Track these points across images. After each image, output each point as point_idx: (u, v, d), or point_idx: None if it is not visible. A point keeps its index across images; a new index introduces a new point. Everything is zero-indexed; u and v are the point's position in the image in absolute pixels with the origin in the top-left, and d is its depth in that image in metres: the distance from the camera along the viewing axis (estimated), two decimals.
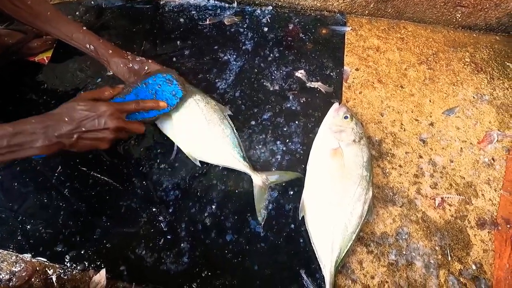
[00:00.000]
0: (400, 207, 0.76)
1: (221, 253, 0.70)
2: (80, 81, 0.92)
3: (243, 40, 0.97)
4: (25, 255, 0.72)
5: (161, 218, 0.74)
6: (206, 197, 0.76)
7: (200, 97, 0.78)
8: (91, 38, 0.75)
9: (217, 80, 0.90)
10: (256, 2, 1.04)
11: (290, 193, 0.76)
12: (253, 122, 0.84)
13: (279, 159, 0.79)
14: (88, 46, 0.75)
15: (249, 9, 1.03)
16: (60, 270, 0.70)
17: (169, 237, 0.72)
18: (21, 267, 0.71)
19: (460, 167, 0.80)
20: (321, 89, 0.89)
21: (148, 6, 1.05)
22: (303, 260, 0.70)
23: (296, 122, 0.84)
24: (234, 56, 0.94)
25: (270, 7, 1.03)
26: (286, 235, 0.72)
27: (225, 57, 0.94)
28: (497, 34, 1.00)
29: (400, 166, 0.80)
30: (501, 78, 0.92)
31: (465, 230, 0.73)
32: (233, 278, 0.68)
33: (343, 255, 0.66)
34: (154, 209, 0.75)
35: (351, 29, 0.99)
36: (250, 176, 0.75)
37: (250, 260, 0.70)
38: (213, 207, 0.75)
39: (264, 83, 0.90)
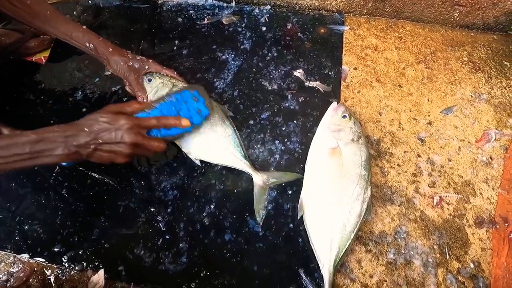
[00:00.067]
0: (399, 206, 0.76)
1: (219, 252, 0.70)
2: (78, 81, 0.92)
3: (241, 40, 0.97)
4: (23, 255, 0.71)
5: (159, 218, 0.74)
6: (205, 197, 0.76)
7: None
8: (90, 37, 0.75)
9: (215, 80, 0.90)
10: (254, 2, 1.04)
11: (288, 192, 0.76)
12: (251, 122, 0.84)
13: (277, 159, 0.79)
14: (87, 44, 0.75)
15: (247, 9, 1.03)
16: (58, 271, 0.70)
17: (167, 237, 0.72)
18: (19, 267, 0.71)
19: (458, 166, 0.80)
20: (320, 88, 0.89)
21: (146, 5, 1.04)
22: (302, 259, 0.70)
23: (295, 121, 0.84)
24: (233, 55, 0.94)
25: (268, 7, 1.03)
26: (284, 234, 0.72)
27: (224, 57, 0.94)
28: (494, 33, 1.00)
29: (398, 165, 0.80)
30: (498, 77, 0.92)
31: (463, 229, 0.74)
32: (232, 277, 0.68)
33: (342, 254, 0.66)
34: (152, 209, 0.74)
35: (349, 28, 1.00)
36: (248, 176, 0.75)
37: (249, 260, 0.70)
38: (212, 206, 0.75)
39: (263, 83, 0.90)
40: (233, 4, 1.03)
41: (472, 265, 0.70)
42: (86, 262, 0.70)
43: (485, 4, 0.92)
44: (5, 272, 0.71)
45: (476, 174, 0.79)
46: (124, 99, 0.87)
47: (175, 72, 0.82)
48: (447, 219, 0.74)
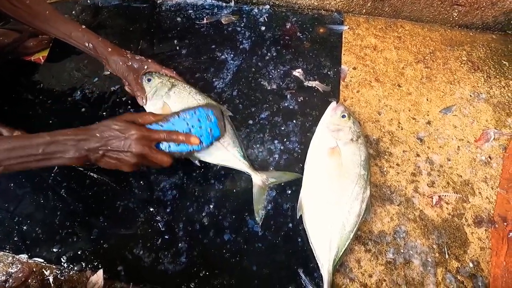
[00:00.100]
0: (398, 205, 0.76)
1: (219, 252, 0.70)
2: (76, 81, 0.91)
3: (240, 39, 0.97)
4: (22, 256, 0.71)
5: (158, 218, 0.73)
6: (204, 197, 0.75)
7: (201, 98, 0.78)
8: (90, 37, 0.75)
9: (214, 80, 0.90)
10: (254, 1, 1.04)
11: (288, 192, 0.76)
12: (250, 121, 0.84)
13: (277, 158, 0.79)
14: (86, 44, 0.75)
15: (247, 8, 1.03)
16: (57, 271, 0.70)
17: (166, 237, 0.72)
18: (18, 268, 0.71)
19: (457, 166, 0.80)
20: (319, 88, 0.89)
21: (145, 5, 1.04)
22: (301, 259, 0.70)
23: (294, 121, 0.84)
24: (232, 55, 0.94)
25: (268, 6, 1.03)
26: (284, 234, 0.72)
27: (223, 56, 0.94)
28: (493, 33, 1.00)
29: (397, 164, 0.80)
30: (497, 76, 0.93)
31: (462, 228, 0.74)
32: (231, 277, 0.68)
33: (341, 254, 0.66)
34: (151, 209, 0.74)
35: (348, 28, 1.00)
36: (248, 176, 0.75)
37: (248, 260, 0.70)
38: (211, 206, 0.75)
39: (262, 82, 0.90)
40: (232, 3, 1.03)
41: (471, 265, 0.70)
42: (85, 262, 0.70)
43: (484, 4, 0.92)
44: (4, 273, 0.71)
45: (475, 173, 0.79)
46: (123, 99, 0.87)
47: (174, 72, 0.82)
48: (446, 219, 0.74)
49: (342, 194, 0.68)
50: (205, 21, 1.00)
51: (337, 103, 0.80)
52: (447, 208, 0.76)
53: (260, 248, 0.71)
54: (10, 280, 0.70)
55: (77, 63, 0.94)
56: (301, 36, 0.98)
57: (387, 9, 0.99)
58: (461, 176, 0.79)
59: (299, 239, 0.71)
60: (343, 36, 0.98)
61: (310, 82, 0.90)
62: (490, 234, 0.73)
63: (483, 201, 0.76)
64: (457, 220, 0.74)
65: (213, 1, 1.04)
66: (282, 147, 0.81)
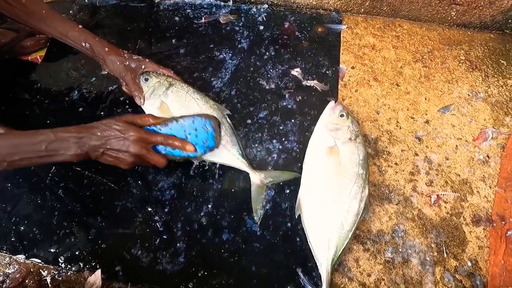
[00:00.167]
0: (396, 204, 0.76)
1: (217, 252, 0.70)
2: (74, 80, 0.91)
3: (238, 39, 0.97)
4: (19, 256, 0.71)
5: (156, 217, 0.73)
6: (202, 197, 0.75)
7: (199, 96, 0.78)
8: (86, 36, 0.74)
9: (212, 79, 0.90)
10: (252, 0, 1.04)
11: (286, 191, 0.76)
12: (249, 121, 0.84)
13: (275, 158, 0.79)
14: (83, 44, 0.74)
15: (245, 8, 1.03)
16: (55, 271, 0.70)
17: (165, 237, 0.71)
18: (15, 268, 0.70)
19: (456, 165, 0.80)
20: (317, 87, 0.89)
21: (142, 4, 1.04)
22: (300, 258, 0.69)
23: (292, 120, 0.84)
24: (230, 54, 0.94)
25: (266, 5, 1.03)
26: (282, 233, 0.72)
27: (221, 56, 0.94)
28: (491, 32, 1.01)
29: (396, 164, 0.80)
30: (495, 75, 0.93)
31: (460, 227, 0.74)
32: (229, 277, 0.68)
33: (340, 253, 0.66)
34: (149, 209, 0.74)
35: (346, 27, 0.99)
36: (246, 175, 0.75)
37: (247, 259, 0.70)
38: (209, 206, 0.74)
39: (260, 82, 0.90)
40: (230, 3, 1.03)
41: (469, 263, 0.70)
42: (83, 262, 0.69)
43: (482, 3, 0.92)
44: (1, 273, 0.70)
45: (473, 172, 0.80)
46: (121, 99, 0.87)
47: (172, 71, 0.82)
48: (445, 218, 0.75)
49: (341, 193, 0.68)
50: (203, 21, 1.00)
51: (335, 102, 0.79)
52: (445, 207, 0.76)
53: (259, 247, 0.71)
54: (7, 281, 0.69)
55: (75, 62, 0.94)
56: (300, 36, 0.98)
57: (385, 8, 0.99)
58: (459, 175, 0.79)
59: (298, 239, 0.71)
60: (342, 35, 0.98)
61: (308, 81, 0.90)
62: (488, 233, 0.73)
63: (481, 200, 0.77)
64: (455, 219, 0.74)
65: (211, 1, 1.04)
66: (280, 147, 0.81)
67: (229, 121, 0.79)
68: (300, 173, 0.74)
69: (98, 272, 0.68)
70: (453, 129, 0.85)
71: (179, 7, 1.03)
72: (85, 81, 0.91)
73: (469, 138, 0.84)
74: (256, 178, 0.74)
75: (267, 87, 0.89)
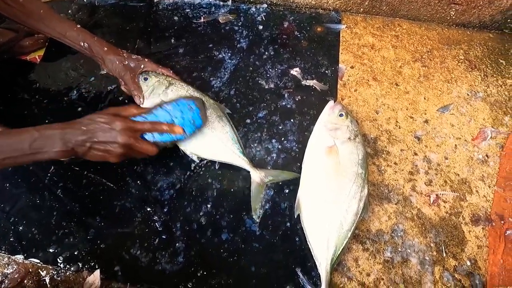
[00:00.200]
0: (395, 204, 0.76)
1: (216, 252, 0.70)
2: (73, 80, 0.91)
3: (238, 38, 0.97)
4: (18, 256, 0.71)
5: (156, 217, 0.73)
6: (201, 196, 0.75)
7: (198, 96, 0.78)
8: (85, 36, 0.74)
9: (212, 79, 0.90)
10: (251, 0, 1.04)
11: (285, 191, 0.76)
12: (248, 121, 0.84)
13: (274, 157, 0.79)
14: (82, 44, 0.74)
15: (244, 7, 1.03)
16: (54, 272, 0.69)
17: (164, 236, 0.71)
18: (14, 269, 0.70)
19: (455, 164, 0.81)
20: (316, 87, 0.89)
21: (141, 4, 1.04)
22: (299, 258, 0.69)
23: (292, 120, 0.84)
24: (229, 54, 0.94)
25: (265, 5, 1.03)
26: (281, 233, 0.72)
27: (220, 55, 0.94)
28: (490, 32, 1.01)
29: (395, 163, 0.80)
30: (494, 75, 0.93)
31: (459, 227, 0.74)
32: (228, 277, 0.68)
33: (339, 252, 0.66)
34: (148, 209, 0.74)
35: (346, 27, 0.99)
36: (245, 175, 0.75)
37: (246, 259, 0.69)
38: (209, 206, 0.74)
39: (259, 81, 0.90)
40: (229, 2, 1.03)
41: (468, 263, 0.70)
42: (82, 262, 0.69)
43: (481, 3, 0.92)
44: (0, 274, 0.70)
45: (472, 172, 0.80)
46: (120, 98, 0.87)
47: (171, 71, 0.82)
48: (444, 217, 0.75)
49: (340, 193, 0.68)
50: (202, 20, 1.00)
51: (334, 102, 0.79)
52: (444, 206, 0.76)
53: (258, 247, 0.70)
54: (6, 281, 0.69)
55: (74, 62, 0.93)
56: (299, 35, 0.98)
57: (384, 8, 0.99)
58: (458, 174, 0.79)
59: (297, 238, 0.71)
60: (341, 35, 0.98)
61: (307, 81, 0.90)
62: (487, 232, 0.73)
63: (480, 199, 0.77)
64: (454, 219, 0.75)
65: (210, 0, 1.04)
66: (279, 146, 0.81)
67: (228, 118, 0.79)
68: (299, 172, 0.74)
69: (97, 272, 0.68)
70: (452, 129, 0.85)
71: (178, 7, 1.03)
72: (84, 80, 0.90)
73: (468, 138, 0.84)
74: (257, 176, 0.74)
75: (266, 87, 0.89)
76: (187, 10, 1.02)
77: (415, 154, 0.82)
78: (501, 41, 0.98)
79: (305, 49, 0.95)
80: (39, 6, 0.72)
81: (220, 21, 1.00)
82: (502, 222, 0.74)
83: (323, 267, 0.65)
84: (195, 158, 0.76)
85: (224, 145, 0.74)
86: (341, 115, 0.76)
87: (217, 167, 0.78)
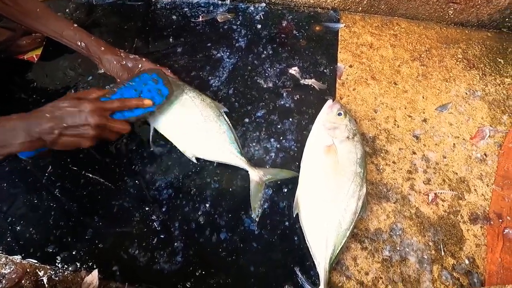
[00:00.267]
0: (394, 203, 0.76)
1: (215, 251, 0.70)
2: (70, 79, 0.90)
3: (236, 37, 0.97)
4: (15, 256, 0.70)
5: (154, 217, 0.73)
6: (200, 196, 0.75)
7: (195, 94, 0.78)
8: (82, 35, 0.74)
9: (210, 78, 0.90)
10: None
11: (284, 190, 0.75)
12: (246, 120, 0.84)
13: (273, 157, 0.79)
14: (79, 43, 0.74)
15: (242, 6, 1.03)
16: (51, 272, 0.69)
17: (162, 236, 0.71)
18: (11, 269, 0.70)
19: (453, 163, 0.81)
20: (315, 86, 0.89)
21: (139, 3, 1.03)
22: (298, 257, 0.69)
23: (290, 119, 0.84)
24: (228, 53, 0.94)
25: (264, 4, 1.03)
26: (280, 232, 0.72)
27: (218, 55, 0.94)
28: (488, 31, 1.01)
29: (393, 162, 0.80)
30: (493, 74, 0.93)
31: (458, 225, 0.74)
32: (227, 276, 0.68)
33: (338, 252, 0.66)
34: (147, 208, 0.74)
35: (344, 26, 0.99)
36: (244, 174, 0.75)
37: (245, 258, 0.69)
38: (207, 205, 0.74)
39: (258, 81, 0.90)
40: (228, 1, 1.03)
41: (467, 261, 0.70)
42: (80, 262, 0.69)
43: (479, 2, 0.92)
44: None
45: (470, 170, 0.80)
46: None
47: (169, 70, 0.82)
48: (442, 216, 0.75)
49: (338, 192, 0.68)
50: (200, 19, 1.00)
51: (333, 101, 0.80)
52: (443, 205, 0.76)
53: (256, 246, 0.70)
54: (3, 281, 0.69)
55: (71, 61, 0.93)
56: (297, 34, 0.98)
57: (383, 7, 0.99)
58: (456, 173, 0.79)
59: (296, 238, 0.71)
60: (339, 34, 0.98)
61: (306, 80, 0.90)
62: (485, 231, 0.73)
63: (479, 198, 0.77)
64: (452, 217, 0.75)
65: None
66: (278, 145, 0.81)
67: (226, 118, 0.78)
68: (298, 172, 0.74)
69: (95, 272, 0.68)
70: (450, 128, 0.85)
71: (176, 6, 1.03)
72: (82, 80, 0.90)
73: (467, 137, 0.84)
74: (255, 175, 0.73)
75: (265, 86, 0.89)
76: (185, 9, 1.02)
77: (414, 153, 0.82)
78: (499, 40, 0.99)
79: (303, 48, 0.95)
80: (35, 5, 0.72)
81: (219, 20, 1.00)
82: (500, 220, 0.74)
83: (321, 266, 0.65)
84: (193, 159, 0.76)
85: (221, 145, 0.74)
86: (339, 114, 0.76)
87: (215, 166, 0.78)
